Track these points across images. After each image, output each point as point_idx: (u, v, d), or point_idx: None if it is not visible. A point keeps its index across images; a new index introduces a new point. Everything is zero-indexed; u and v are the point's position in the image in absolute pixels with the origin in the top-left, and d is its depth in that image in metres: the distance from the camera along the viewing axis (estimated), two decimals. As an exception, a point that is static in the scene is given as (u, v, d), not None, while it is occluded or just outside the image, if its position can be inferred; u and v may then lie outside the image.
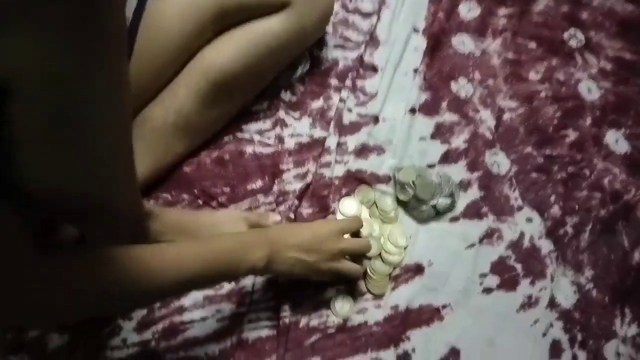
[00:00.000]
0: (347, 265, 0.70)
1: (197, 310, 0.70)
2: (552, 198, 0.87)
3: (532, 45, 1.02)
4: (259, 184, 0.81)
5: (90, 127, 0.44)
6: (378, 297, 0.75)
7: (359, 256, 0.73)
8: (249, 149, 0.83)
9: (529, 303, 0.78)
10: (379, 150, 0.86)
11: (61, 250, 0.56)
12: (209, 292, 0.72)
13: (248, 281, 0.72)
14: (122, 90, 0.47)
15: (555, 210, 0.86)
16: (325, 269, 0.67)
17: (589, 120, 0.95)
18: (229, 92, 0.78)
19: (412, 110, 0.90)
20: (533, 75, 0.98)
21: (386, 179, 0.84)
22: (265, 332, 0.70)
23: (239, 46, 0.75)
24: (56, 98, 0.40)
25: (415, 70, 0.94)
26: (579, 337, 0.76)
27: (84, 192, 0.50)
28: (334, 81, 0.91)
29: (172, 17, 0.72)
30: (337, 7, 0.96)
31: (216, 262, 0.59)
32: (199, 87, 0.74)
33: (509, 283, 0.79)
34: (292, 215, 0.78)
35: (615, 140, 0.94)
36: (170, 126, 0.75)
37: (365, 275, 0.76)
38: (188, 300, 0.71)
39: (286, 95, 0.88)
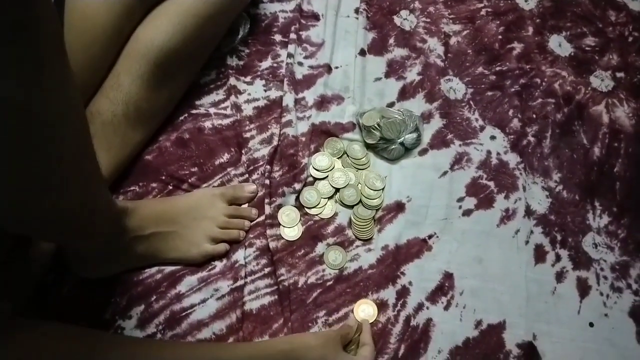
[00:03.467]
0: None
1: (195, 294, 0.70)
2: (510, 112, 0.89)
3: (464, -37, 1.02)
4: (226, 157, 0.79)
5: (49, 135, 0.42)
6: (367, 241, 0.77)
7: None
8: (207, 124, 0.81)
9: (507, 216, 0.81)
10: (338, 99, 0.85)
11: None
12: (203, 273, 0.71)
13: (240, 255, 0.72)
14: (70, 90, 0.44)
15: (515, 123, 0.88)
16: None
17: (530, 30, 0.97)
18: (174, 69, 0.75)
19: (362, 53, 0.89)
20: (470, -5, 0.99)
21: (351, 127, 0.84)
22: (267, 299, 0.71)
23: (173, 20, 0.72)
24: (8, 114, 0.37)
25: (357, 11, 0.92)
26: (559, 237, 0.81)
27: (52, 205, 0.49)
28: (277, 37, 0.89)
29: (97, 3, 0.68)
30: (264, -41, 0.92)
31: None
32: (142, 71, 0.71)
33: (485, 202, 0.82)
34: (267, 182, 0.77)
35: (559, 44, 0.96)
36: (121, 118, 0.71)
37: (351, 223, 0.77)
38: (183, 286, 0.70)
39: (233, 61, 0.85)
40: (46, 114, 0.41)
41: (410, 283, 0.75)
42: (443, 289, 0.75)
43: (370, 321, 0.71)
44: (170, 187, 0.76)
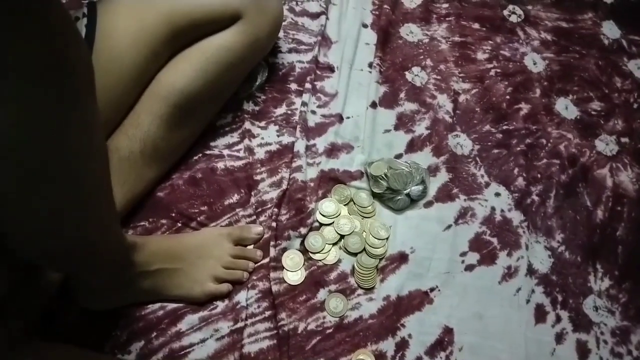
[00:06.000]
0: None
1: (195, 333, 0.71)
2: (516, 170, 0.91)
3: (476, 25, 1.06)
4: (235, 197, 0.81)
5: (74, 172, 0.44)
6: (369, 290, 0.77)
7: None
8: (220, 165, 0.83)
9: (509, 273, 0.82)
10: (348, 148, 0.88)
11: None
12: (204, 312, 0.72)
13: (242, 296, 0.73)
14: (97, 130, 0.47)
15: (520, 181, 0.90)
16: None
17: (538, 92, 1.00)
18: (192, 112, 0.78)
19: (373, 105, 0.92)
20: (481, 55, 1.02)
21: (359, 175, 0.86)
22: (266, 343, 0.71)
23: (196, 66, 0.75)
24: (34, 148, 0.40)
25: (370, 65, 0.96)
26: (559, 298, 0.81)
27: (66, 239, 0.50)
28: (293, 86, 0.92)
29: (125, 46, 0.71)
30: (285, 11, 0.97)
31: None
32: (161, 112, 0.74)
33: (488, 258, 0.83)
34: (273, 224, 0.78)
35: (565, 107, 0.99)
36: (138, 155, 0.74)
37: (354, 271, 0.78)
38: (184, 324, 0.71)
39: (249, 106, 0.89)
40: (72, 153, 0.44)
41: (409, 336, 0.75)
42: (442, 343, 0.75)
43: None
44: (179, 225, 0.78)
